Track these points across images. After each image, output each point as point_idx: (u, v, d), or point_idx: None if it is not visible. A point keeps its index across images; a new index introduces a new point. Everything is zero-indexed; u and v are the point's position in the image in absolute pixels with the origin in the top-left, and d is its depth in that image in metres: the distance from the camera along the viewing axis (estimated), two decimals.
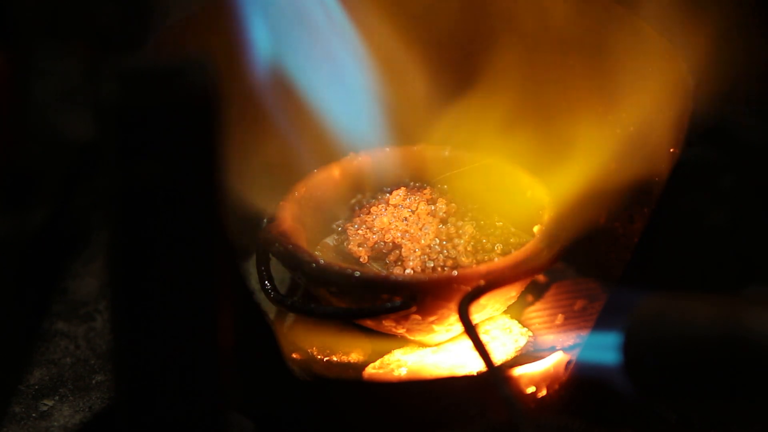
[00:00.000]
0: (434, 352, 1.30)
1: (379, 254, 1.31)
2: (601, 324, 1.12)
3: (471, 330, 1.17)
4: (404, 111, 1.46)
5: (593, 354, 1.11)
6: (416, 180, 1.40)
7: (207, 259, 0.90)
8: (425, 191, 1.36)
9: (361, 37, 1.41)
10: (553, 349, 1.30)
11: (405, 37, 1.47)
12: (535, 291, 1.38)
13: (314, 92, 1.38)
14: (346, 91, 1.40)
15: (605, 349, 1.08)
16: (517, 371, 1.20)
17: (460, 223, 1.32)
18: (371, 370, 1.28)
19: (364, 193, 1.40)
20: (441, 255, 1.29)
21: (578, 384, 1.21)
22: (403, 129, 1.45)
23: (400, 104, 1.46)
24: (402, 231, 1.31)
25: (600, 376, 1.10)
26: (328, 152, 1.41)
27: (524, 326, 1.33)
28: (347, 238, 1.33)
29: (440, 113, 1.49)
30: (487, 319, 1.32)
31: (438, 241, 1.30)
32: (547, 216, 1.33)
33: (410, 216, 1.33)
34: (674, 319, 1.02)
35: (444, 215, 1.33)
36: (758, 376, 1.01)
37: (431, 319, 1.26)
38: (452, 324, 1.28)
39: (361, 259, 1.30)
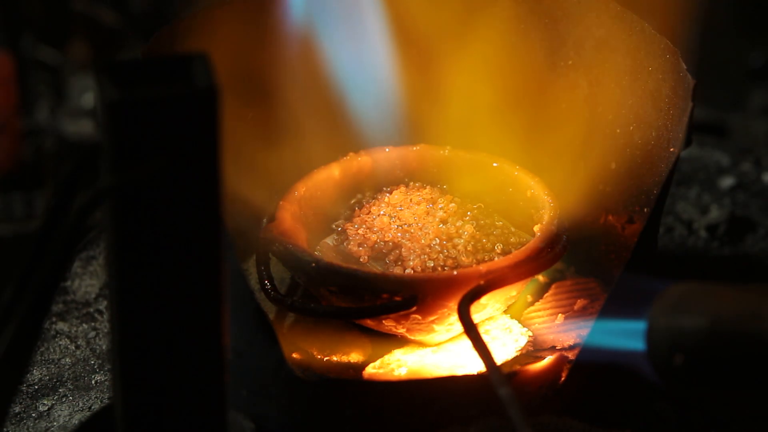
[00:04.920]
0: (434, 352, 1.30)
1: (379, 254, 1.31)
2: (606, 312, 1.12)
3: (471, 330, 1.16)
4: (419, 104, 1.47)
5: (603, 339, 1.11)
6: (416, 180, 1.40)
7: (207, 258, 0.90)
8: (425, 191, 1.36)
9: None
10: (553, 349, 1.30)
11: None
12: (535, 291, 1.38)
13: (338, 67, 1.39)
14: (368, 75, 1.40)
15: (615, 335, 1.08)
16: (517, 371, 1.20)
17: (460, 223, 1.32)
18: (371, 370, 1.28)
19: (364, 193, 1.40)
20: (441, 255, 1.29)
21: (578, 384, 1.21)
22: (413, 124, 1.45)
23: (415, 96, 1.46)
24: (402, 231, 1.31)
25: (614, 362, 1.10)
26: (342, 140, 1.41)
27: (524, 326, 1.33)
28: (347, 238, 1.33)
29: (438, 112, 1.49)
30: (487, 319, 1.32)
31: (438, 240, 1.30)
32: (547, 216, 1.32)
33: (410, 216, 1.33)
34: (699, 308, 1.02)
35: (444, 215, 1.33)
36: None
37: (431, 318, 1.26)
38: (452, 324, 1.28)
39: (361, 259, 1.30)
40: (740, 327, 1.01)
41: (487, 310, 1.30)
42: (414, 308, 1.25)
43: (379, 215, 1.34)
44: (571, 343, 1.30)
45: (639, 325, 1.05)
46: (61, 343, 1.41)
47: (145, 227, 0.87)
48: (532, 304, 1.37)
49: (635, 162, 1.36)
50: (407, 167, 1.42)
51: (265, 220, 1.33)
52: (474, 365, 1.27)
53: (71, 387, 1.35)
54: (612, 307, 1.13)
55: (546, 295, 1.38)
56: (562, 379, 1.21)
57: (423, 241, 1.30)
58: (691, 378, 1.03)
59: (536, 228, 1.32)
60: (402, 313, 1.25)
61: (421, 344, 1.31)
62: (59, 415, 1.32)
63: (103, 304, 1.46)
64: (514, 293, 1.30)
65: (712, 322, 1.01)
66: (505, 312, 1.34)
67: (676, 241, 1.59)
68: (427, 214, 1.33)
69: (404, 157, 1.42)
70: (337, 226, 1.36)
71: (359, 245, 1.31)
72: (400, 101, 1.44)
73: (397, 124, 1.42)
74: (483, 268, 1.25)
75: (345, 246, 1.32)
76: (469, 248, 1.30)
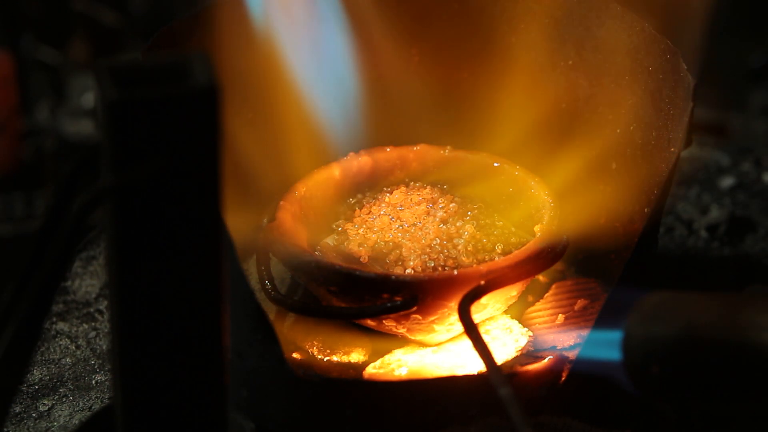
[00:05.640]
0: (434, 352, 1.30)
1: (379, 254, 1.31)
2: (601, 322, 1.12)
3: (471, 330, 1.16)
4: (398, 107, 1.47)
5: (593, 351, 1.11)
6: (416, 180, 1.40)
7: (207, 258, 0.89)
8: (425, 191, 1.36)
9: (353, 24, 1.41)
10: (553, 349, 1.30)
11: (401, 34, 1.47)
12: (536, 291, 1.38)
13: (302, 76, 1.39)
14: (334, 82, 1.40)
15: (605, 345, 1.08)
16: (517, 371, 1.20)
17: (460, 223, 1.32)
18: (371, 370, 1.28)
19: (364, 193, 1.40)
20: (441, 255, 1.29)
21: (578, 384, 1.21)
22: (398, 126, 1.45)
23: (394, 100, 1.46)
24: (402, 231, 1.31)
25: (600, 373, 1.10)
26: (315, 147, 1.41)
27: (524, 326, 1.33)
28: (347, 238, 1.33)
29: (438, 112, 1.49)
30: (487, 319, 1.32)
31: (438, 240, 1.30)
32: (547, 216, 1.32)
33: (410, 216, 1.32)
34: (674, 317, 1.02)
35: (444, 215, 1.32)
36: (756, 378, 1.01)
37: (432, 318, 1.26)
38: (453, 324, 1.28)
39: (361, 259, 1.30)
40: (715, 335, 1.00)
41: (488, 310, 1.29)
42: (414, 308, 1.25)
43: (379, 215, 1.33)
44: (571, 343, 1.30)
45: (616, 335, 1.05)
46: (61, 343, 1.41)
47: (146, 227, 0.87)
48: (532, 304, 1.37)
49: (635, 162, 1.36)
50: (407, 167, 1.42)
51: (265, 220, 1.33)
52: (474, 365, 1.27)
53: (71, 387, 1.35)
54: (600, 317, 1.13)
55: (546, 295, 1.38)
56: (562, 379, 1.21)
57: (423, 241, 1.30)
58: (667, 387, 1.02)
59: (536, 228, 1.32)
60: (402, 313, 1.25)
61: (421, 344, 1.31)
62: (59, 415, 1.32)
63: (103, 304, 1.46)
64: (514, 293, 1.30)
65: (686, 330, 1.01)
66: (505, 312, 1.34)
67: (676, 241, 1.59)
68: (428, 214, 1.33)
69: (404, 157, 1.42)
70: (337, 226, 1.36)
71: (359, 245, 1.31)
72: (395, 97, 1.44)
73: (361, 126, 1.41)
74: (483, 268, 1.25)
75: (345, 246, 1.32)
76: (469, 248, 1.30)
